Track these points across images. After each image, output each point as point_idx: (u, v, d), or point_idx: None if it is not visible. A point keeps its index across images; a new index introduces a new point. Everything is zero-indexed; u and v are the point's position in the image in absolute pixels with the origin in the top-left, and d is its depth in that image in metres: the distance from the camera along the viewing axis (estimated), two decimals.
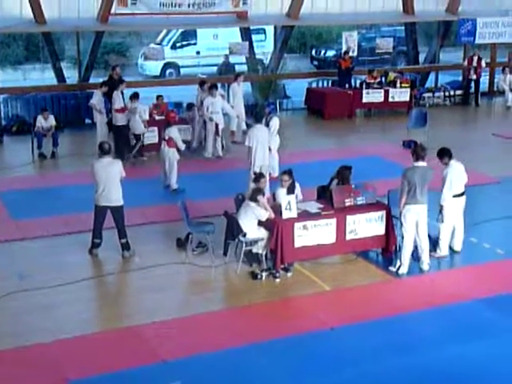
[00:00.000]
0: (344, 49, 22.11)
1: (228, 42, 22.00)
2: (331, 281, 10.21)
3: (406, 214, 10.28)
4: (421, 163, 10.30)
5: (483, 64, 22.82)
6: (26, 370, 7.90)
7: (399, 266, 10.47)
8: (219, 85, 18.92)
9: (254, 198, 10.34)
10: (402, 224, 10.39)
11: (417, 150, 10.41)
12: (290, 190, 10.95)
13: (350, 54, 21.99)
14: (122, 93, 16.51)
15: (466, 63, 23.05)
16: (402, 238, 10.43)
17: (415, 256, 10.64)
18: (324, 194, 11.19)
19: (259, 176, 11.05)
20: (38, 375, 7.82)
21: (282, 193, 10.73)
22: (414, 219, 10.32)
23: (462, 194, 10.90)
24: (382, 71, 22.40)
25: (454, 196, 10.75)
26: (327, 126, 20.22)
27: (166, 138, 13.88)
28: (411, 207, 10.24)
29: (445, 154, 10.77)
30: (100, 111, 16.70)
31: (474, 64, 22.64)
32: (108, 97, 16.75)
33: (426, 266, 10.59)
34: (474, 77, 22.74)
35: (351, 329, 8.87)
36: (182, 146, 13.97)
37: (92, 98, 16.95)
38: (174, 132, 13.91)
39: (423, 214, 10.36)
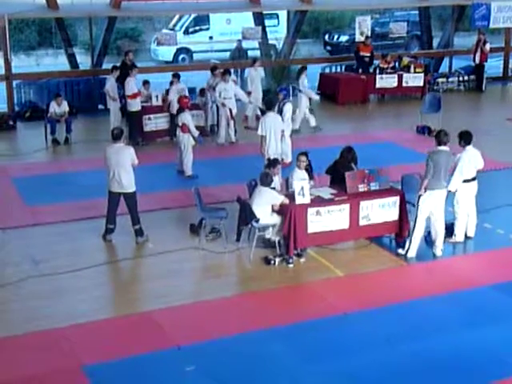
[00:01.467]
0: (357, 33, 21.87)
1: (241, 27, 21.91)
2: (344, 266, 10.21)
3: (427, 199, 10.21)
4: (443, 148, 10.26)
5: (487, 48, 22.43)
6: (40, 355, 7.96)
7: (407, 249, 10.45)
8: (232, 70, 18.85)
9: (264, 183, 10.34)
10: (418, 206, 10.32)
11: (439, 136, 10.35)
12: (308, 172, 10.95)
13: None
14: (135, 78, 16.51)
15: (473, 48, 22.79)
16: (415, 220, 10.39)
17: (429, 241, 10.62)
18: (329, 173, 11.19)
19: (273, 162, 11.00)
20: (52, 360, 7.88)
21: (299, 173, 10.73)
22: (433, 204, 10.26)
23: (473, 180, 10.83)
24: (396, 56, 22.24)
25: (465, 181, 10.71)
26: (340, 112, 20.14)
27: (180, 123, 13.86)
28: (434, 192, 10.17)
29: (462, 138, 10.71)
30: (113, 97, 16.74)
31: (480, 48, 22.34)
32: (121, 82, 16.77)
33: (439, 252, 10.56)
34: (478, 61, 22.44)
35: (364, 314, 8.87)
36: (196, 132, 13.93)
37: (106, 84, 17.00)
38: (186, 118, 13.88)
39: (443, 199, 10.31)
